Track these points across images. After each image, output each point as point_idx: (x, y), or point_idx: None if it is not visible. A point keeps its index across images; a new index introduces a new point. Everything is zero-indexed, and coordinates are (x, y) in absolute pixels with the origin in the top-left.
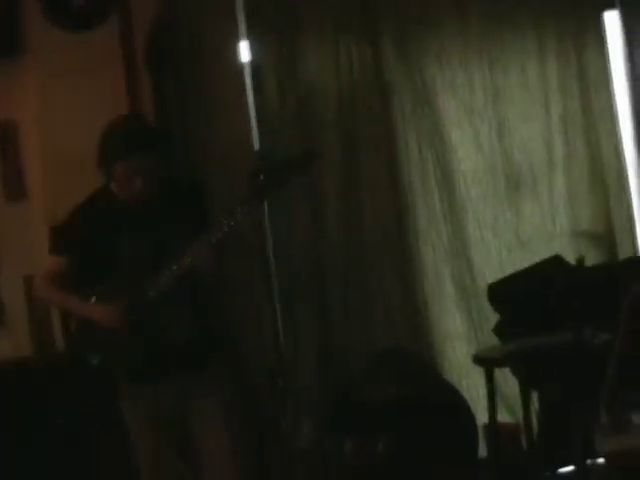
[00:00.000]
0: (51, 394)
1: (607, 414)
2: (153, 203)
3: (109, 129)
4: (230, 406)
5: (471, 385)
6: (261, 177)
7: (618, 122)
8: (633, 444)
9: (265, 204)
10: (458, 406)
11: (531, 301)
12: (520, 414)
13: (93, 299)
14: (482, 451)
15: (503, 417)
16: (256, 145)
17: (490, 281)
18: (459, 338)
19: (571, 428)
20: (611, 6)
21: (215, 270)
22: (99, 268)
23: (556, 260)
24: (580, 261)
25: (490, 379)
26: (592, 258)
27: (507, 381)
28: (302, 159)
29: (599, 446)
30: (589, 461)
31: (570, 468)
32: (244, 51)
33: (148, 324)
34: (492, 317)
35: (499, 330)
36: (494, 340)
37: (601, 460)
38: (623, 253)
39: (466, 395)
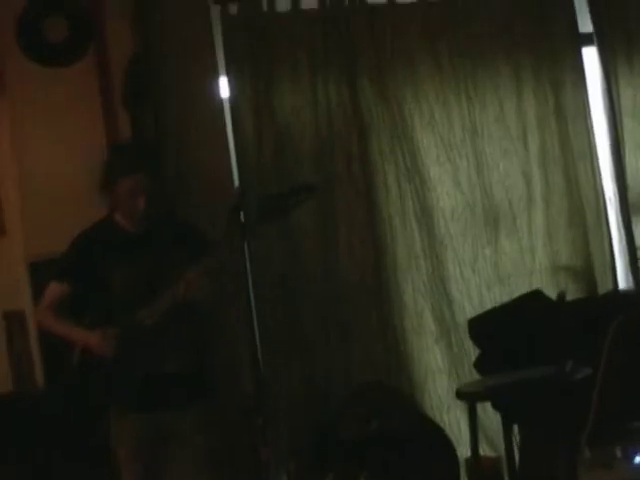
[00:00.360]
0: (31, 429)
1: (590, 448)
2: (152, 232)
3: (112, 151)
4: (211, 445)
5: (452, 420)
6: (241, 213)
7: (596, 157)
8: (617, 478)
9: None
10: (440, 441)
11: (511, 335)
12: (502, 448)
13: (87, 321)
14: None
15: (485, 451)
16: (236, 181)
17: (470, 316)
18: (440, 373)
19: (554, 462)
20: (589, 42)
21: (210, 297)
22: (97, 296)
23: (536, 294)
24: (561, 295)
25: (472, 413)
26: (572, 293)
27: (489, 415)
28: (301, 191)
29: None
30: None
31: None
32: (222, 87)
33: (142, 352)
34: (472, 352)
35: (480, 365)
36: (475, 375)
37: None
38: (603, 287)
39: (448, 430)
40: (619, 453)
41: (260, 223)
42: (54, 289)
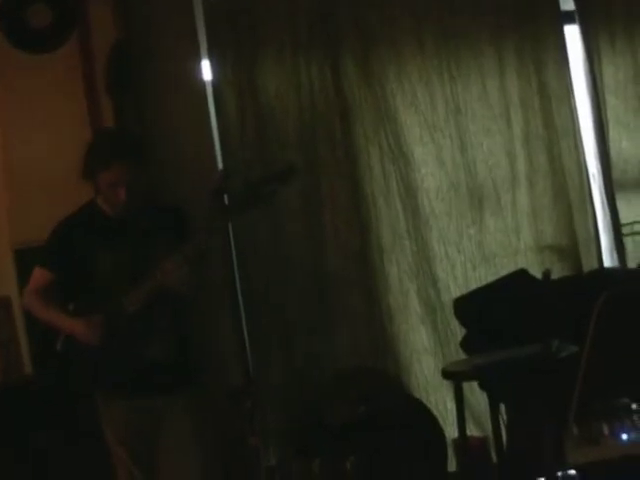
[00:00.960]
0: (19, 418)
1: (577, 425)
2: (134, 218)
3: (94, 140)
4: (200, 429)
5: (439, 400)
6: (224, 195)
7: (580, 136)
8: (604, 454)
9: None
10: (427, 421)
11: (497, 315)
12: (489, 428)
13: (71, 308)
14: (452, 465)
15: (472, 431)
16: (219, 164)
17: (455, 296)
18: (426, 353)
19: (541, 440)
20: (571, 21)
21: (191, 285)
22: (81, 281)
23: (521, 274)
24: (546, 274)
25: (458, 393)
26: (557, 271)
27: (475, 395)
28: (284, 172)
29: (570, 458)
30: (560, 473)
31: None
32: (205, 70)
33: (126, 339)
34: (459, 331)
35: (466, 344)
36: (461, 355)
37: (572, 472)
38: (588, 265)
39: (434, 410)
40: (606, 430)
41: (244, 210)
42: (38, 275)
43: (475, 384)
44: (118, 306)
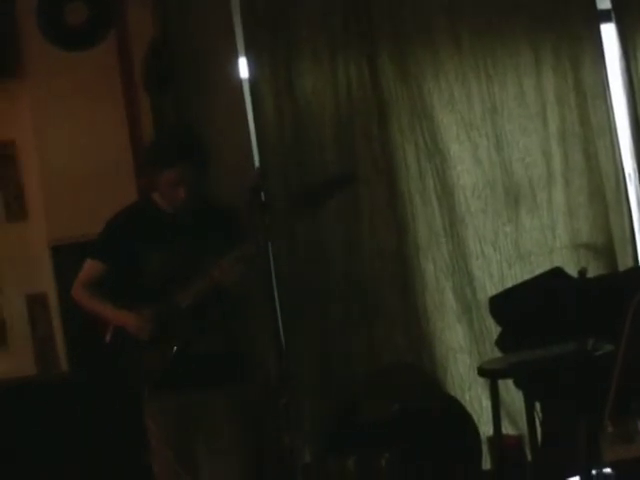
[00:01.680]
0: (54, 413)
1: (612, 423)
2: (189, 217)
3: (158, 138)
4: (243, 427)
5: (474, 398)
6: (262, 194)
7: (616, 134)
8: (639, 452)
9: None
10: (462, 419)
11: (533, 313)
12: (524, 426)
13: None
14: (486, 464)
15: (507, 429)
16: (256, 162)
17: (491, 294)
18: (461, 351)
19: (576, 438)
20: (607, 19)
21: (246, 284)
22: (132, 275)
23: (557, 272)
24: (582, 272)
25: (494, 391)
26: (593, 270)
27: (510, 393)
28: (343, 180)
29: (605, 455)
30: (595, 471)
31: (576, 479)
32: (242, 68)
33: (178, 335)
34: (494, 330)
35: (501, 342)
36: (496, 353)
37: (607, 470)
38: (623, 264)
39: (469, 408)
40: None
41: (295, 215)
42: (89, 267)
43: (510, 382)
44: (170, 302)
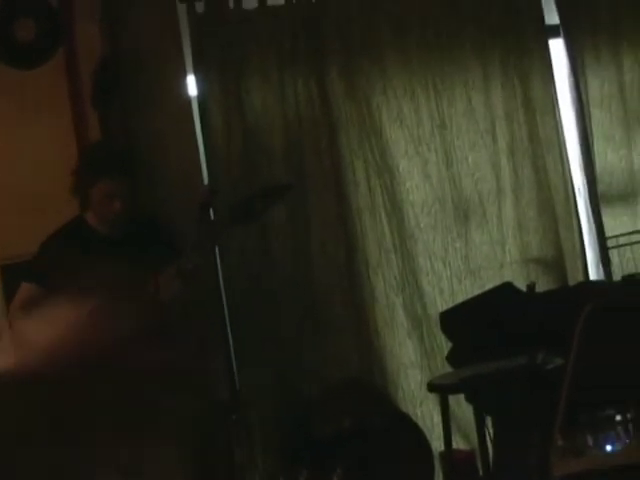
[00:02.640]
0: None
1: (562, 437)
2: (122, 235)
3: (87, 153)
4: (187, 444)
5: (426, 413)
6: (210, 210)
7: (565, 149)
8: (589, 465)
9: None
10: (413, 434)
11: (483, 328)
12: (475, 441)
13: None
14: (438, 479)
15: (459, 444)
16: (205, 179)
17: (441, 309)
18: (412, 366)
19: (527, 453)
20: (556, 34)
21: (183, 300)
22: None
23: (507, 286)
24: (531, 287)
25: (444, 406)
26: (543, 284)
27: (462, 408)
28: (279, 189)
29: (555, 469)
30: None
31: None
32: (191, 86)
33: None
34: (445, 345)
35: (452, 358)
36: (447, 368)
37: None
38: (573, 278)
39: (421, 423)
40: (591, 441)
41: (230, 226)
42: (24, 290)
43: (461, 397)
44: None
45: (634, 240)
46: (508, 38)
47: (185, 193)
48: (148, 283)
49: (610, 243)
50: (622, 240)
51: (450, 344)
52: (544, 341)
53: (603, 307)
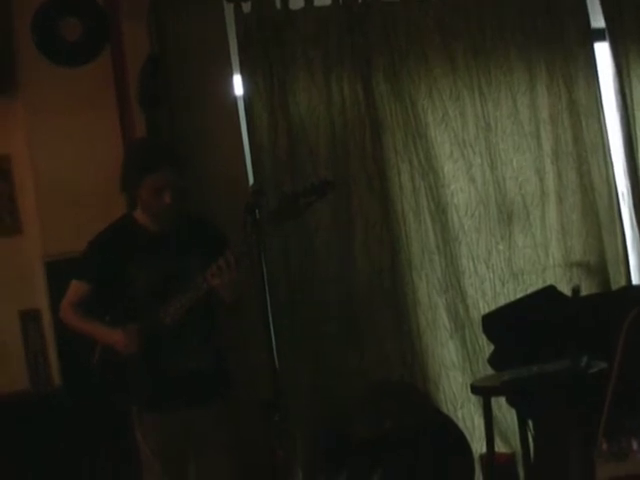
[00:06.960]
0: (48, 428)
1: (606, 441)
2: (170, 232)
3: (135, 148)
4: (232, 441)
5: (467, 415)
6: (256, 211)
7: (609, 152)
8: (633, 470)
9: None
10: (454, 437)
11: (525, 331)
12: (517, 444)
13: (107, 319)
14: None
15: (499, 447)
16: (250, 179)
17: (484, 312)
18: (454, 369)
19: (569, 457)
20: (601, 38)
21: (235, 290)
22: (118, 294)
23: (550, 290)
24: (576, 290)
25: (486, 409)
26: (585, 288)
27: (503, 411)
28: (321, 186)
29: (599, 473)
30: None
31: None
32: (237, 86)
33: (163, 351)
34: (487, 347)
35: (494, 360)
36: (488, 370)
37: None
38: (616, 283)
39: (462, 426)
40: (635, 445)
41: (275, 223)
42: (75, 288)
43: (503, 400)
44: (154, 317)
45: None
46: (553, 41)
47: (231, 192)
48: (197, 278)
49: None
50: None
51: (492, 346)
52: (587, 345)
53: None
